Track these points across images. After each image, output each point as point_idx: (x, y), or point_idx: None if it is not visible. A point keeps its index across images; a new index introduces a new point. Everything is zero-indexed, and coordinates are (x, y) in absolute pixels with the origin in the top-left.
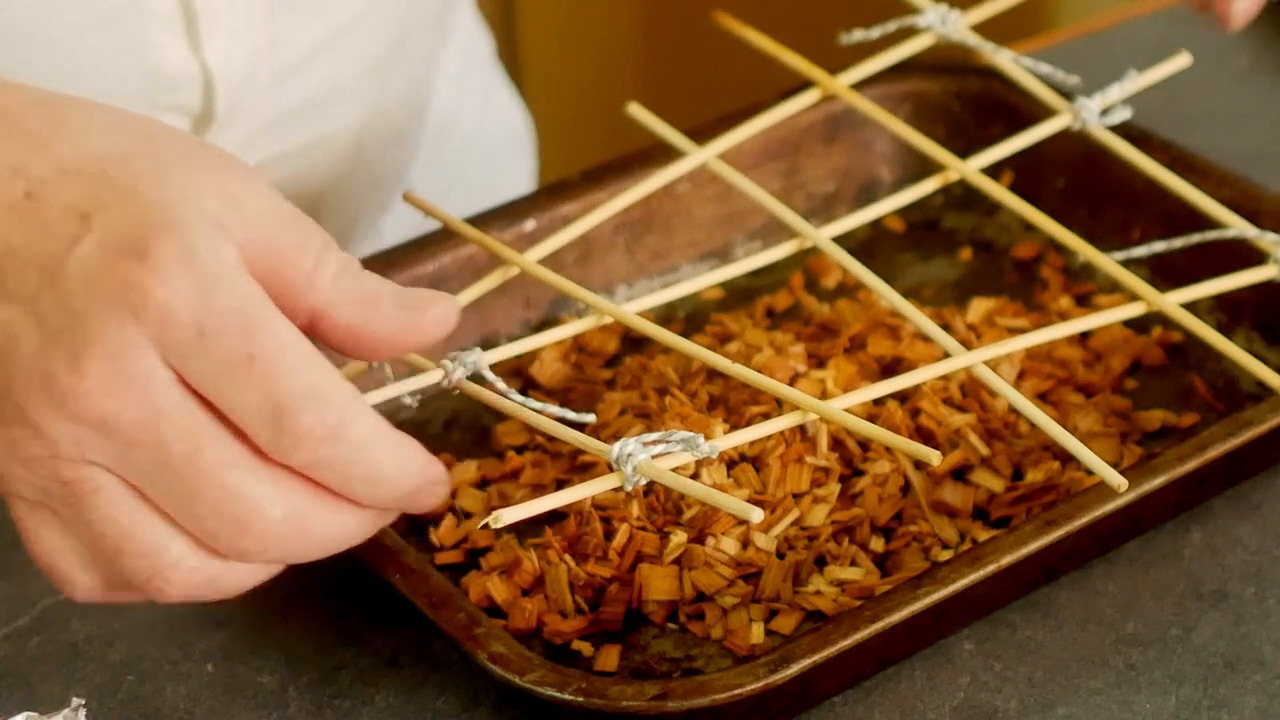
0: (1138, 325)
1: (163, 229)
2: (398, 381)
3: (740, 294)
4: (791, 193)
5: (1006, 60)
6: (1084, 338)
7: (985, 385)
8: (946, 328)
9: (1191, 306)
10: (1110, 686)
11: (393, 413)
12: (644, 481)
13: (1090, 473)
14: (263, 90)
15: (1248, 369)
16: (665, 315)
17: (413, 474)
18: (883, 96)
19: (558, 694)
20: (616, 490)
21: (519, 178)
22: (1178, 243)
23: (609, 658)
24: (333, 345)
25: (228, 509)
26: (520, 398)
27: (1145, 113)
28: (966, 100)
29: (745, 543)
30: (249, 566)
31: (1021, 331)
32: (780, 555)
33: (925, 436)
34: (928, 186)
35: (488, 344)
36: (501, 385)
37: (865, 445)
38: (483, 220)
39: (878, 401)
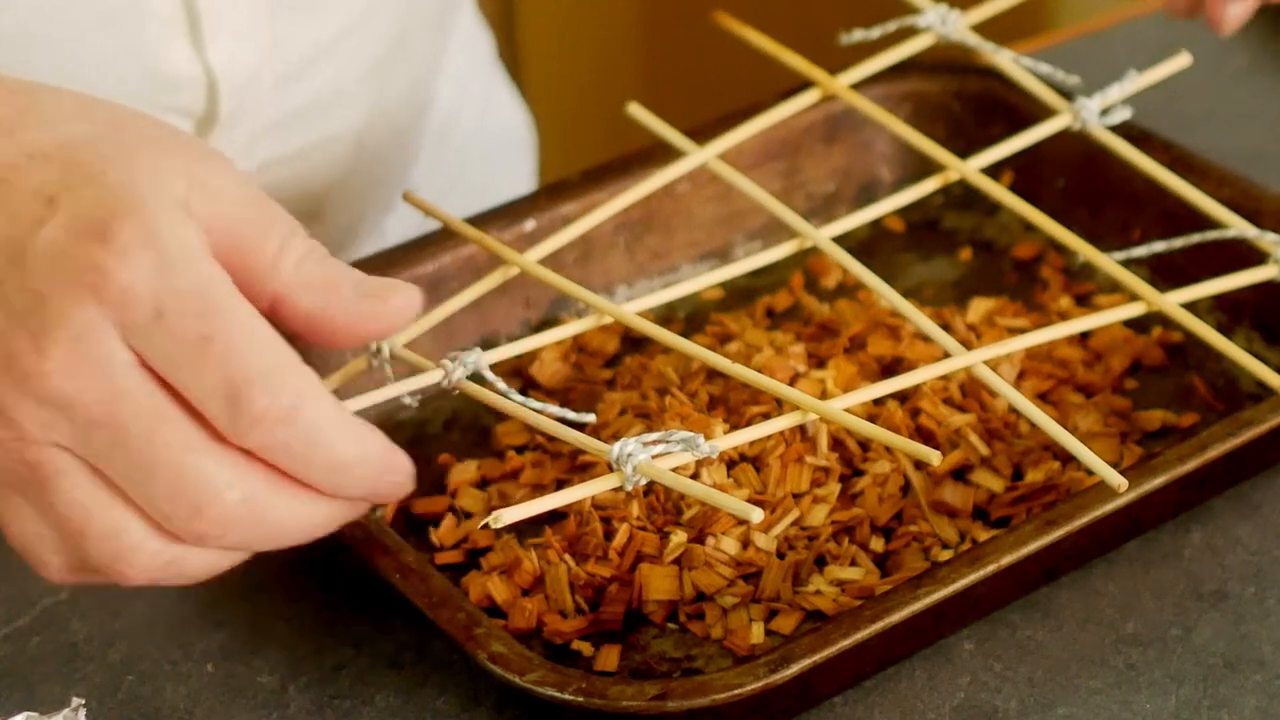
0: (1138, 325)
1: (126, 212)
2: (398, 381)
3: (740, 294)
4: (791, 193)
5: (1006, 60)
6: (1084, 338)
7: (985, 385)
8: (946, 328)
9: (1191, 306)
10: (1110, 686)
11: (393, 413)
12: (644, 481)
13: (1090, 473)
14: (266, 92)
15: (1248, 369)
16: (665, 315)
17: (373, 461)
18: (883, 96)
19: (558, 694)
20: (616, 490)
21: (520, 177)
22: (1178, 243)
23: (609, 658)
24: (294, 330)
25: (184, 490)
26: (520, 398)
27: (1145, 113)
28: (966, 100)
29: (745, 543)
30: (212, 551)
31: (1021, 331)
32: (780, 555)
33: (925, 436)
34: (928, 186)
35: (488, 344)
36: (501, 385)
37: (865, 445)
38: (483, 220)
39: (878, 401)
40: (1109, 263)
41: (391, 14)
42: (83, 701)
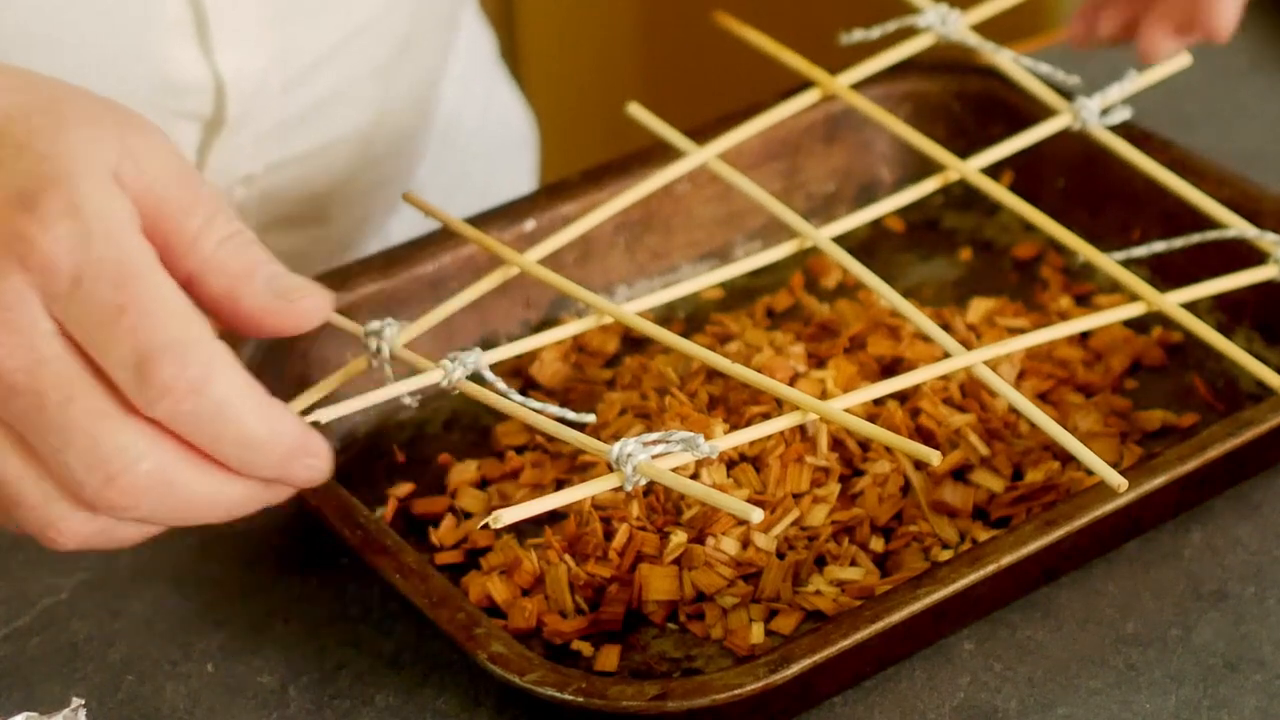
0: (1138, 325)
1: (53, 182)
2: (398, 381)
3: (740, 294)
4: (791, 193)
5: (1006, 60)
6: (1084, 338)
7: (985, 385)
8: (946, 328)
9: (1191, 306)
10: (1110, 686)
11: (393, 413)
12: (644, 481)
13: (1090, 473)
14: (273, 95)
15: (1248, 369)
16: (665, 315)
17: (284, 441)
18: (883, 96)
19: (558, 694)
20: (616, 490)
21: (522, 177)
22: (1178, 243)
23: (609, 658)
24: (206, 310)
25: (96, 458)
26: (520, 398)
27: (1145, 113)
28: (966, 100)
29: (745, 543)
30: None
31: (1021, 331)
32: (780, 555)
33: (925, 436)
34: (928, 186)
35: (488, 344)
36: (501, 385)
37: (865, 445)
38: (483, 220)
39: (878, 401)
40: (1109, 263)
41: (398, 17)
42: (83, 701)
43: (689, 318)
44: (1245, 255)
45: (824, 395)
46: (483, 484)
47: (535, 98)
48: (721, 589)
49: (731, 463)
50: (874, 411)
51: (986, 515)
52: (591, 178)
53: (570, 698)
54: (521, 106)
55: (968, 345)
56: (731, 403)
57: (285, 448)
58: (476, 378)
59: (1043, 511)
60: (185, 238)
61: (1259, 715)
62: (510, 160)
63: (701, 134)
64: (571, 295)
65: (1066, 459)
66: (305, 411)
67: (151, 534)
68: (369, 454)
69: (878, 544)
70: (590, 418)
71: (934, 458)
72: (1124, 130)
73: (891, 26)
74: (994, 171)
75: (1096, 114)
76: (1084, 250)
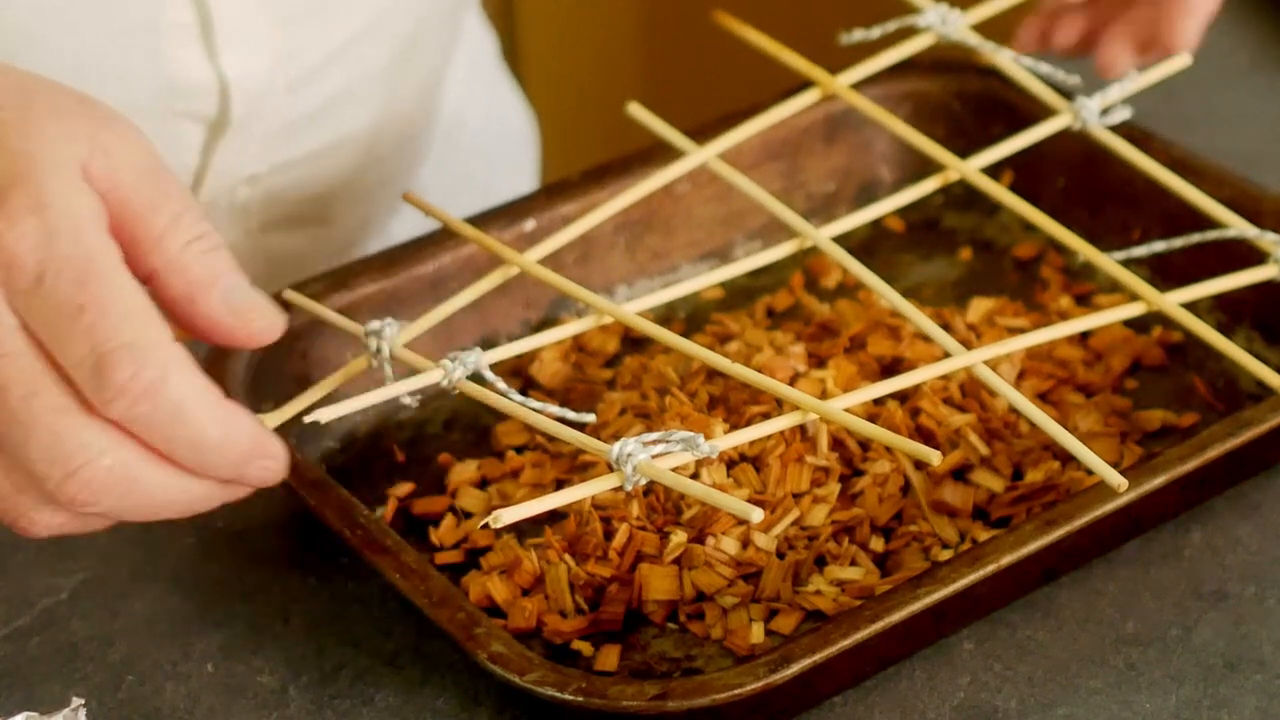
0: (1138, 325)
1: (20, 178)
2: (398, 381)
3: (740, 294)
4: (791, 193)
5: (1006, 60)
6: (1084, 338)
7: (985, 385)
8: (946, 328)
9: (1191, 306)
10: (1110, 686)
11: (393, 413)
12: (644, 481)
13: (1090, 473)
14: (278, 97)
15: (1248, 369)
16: (665, 315)
17: (238, 444)
18: (883, 96)
19: (558, 694)
20: (616, 490)
21: (524, 177)
22: (1178, 243)
23: (609, 658)
24: (163, 309)
25: (57, 453)
26: (520, 398)
27: (1145, 113)
28: (966, 100)
29: (745, 543)
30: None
31: (1021, 331)
32: (780, 555)
33: (925, 436)
34: (928, 186)
35: (488, 344)
36: (501, 385)
37: (865, 445)
38: (483, 220)
39: (878, 401)
40: (1109, 263)
41: (403, 19)
42: (83, 701)
43: (689, 318)
44: (1245, 255)
45: (824, 395)
46: (483, 484)
47: (535, 98)
48: (721, 589)
49: (731, 463)
50: (874, 411)
51: (986, 515)
52: (591, 178)
53: (570, 698)
54: (523, 107)
55: (968, 345)
56: (731, 403)
57: (240, 451)
58: (476, 378)
59: (1043, 511)
60: (151, 234)
61: (1259, 715)
62: (512, 160)
63: (701, 134)
64: (571, 295)
65: (1066, 459)
66: (305, 411)
67: (115, 519)
68: (369, 454)
69: (878, 544)
70: (590, 418)
71: (934, 458)
72: (1124, 130)
73: (891, 26)
74: (994, 171)
75: (1096, 114)
76: (1084, 250)
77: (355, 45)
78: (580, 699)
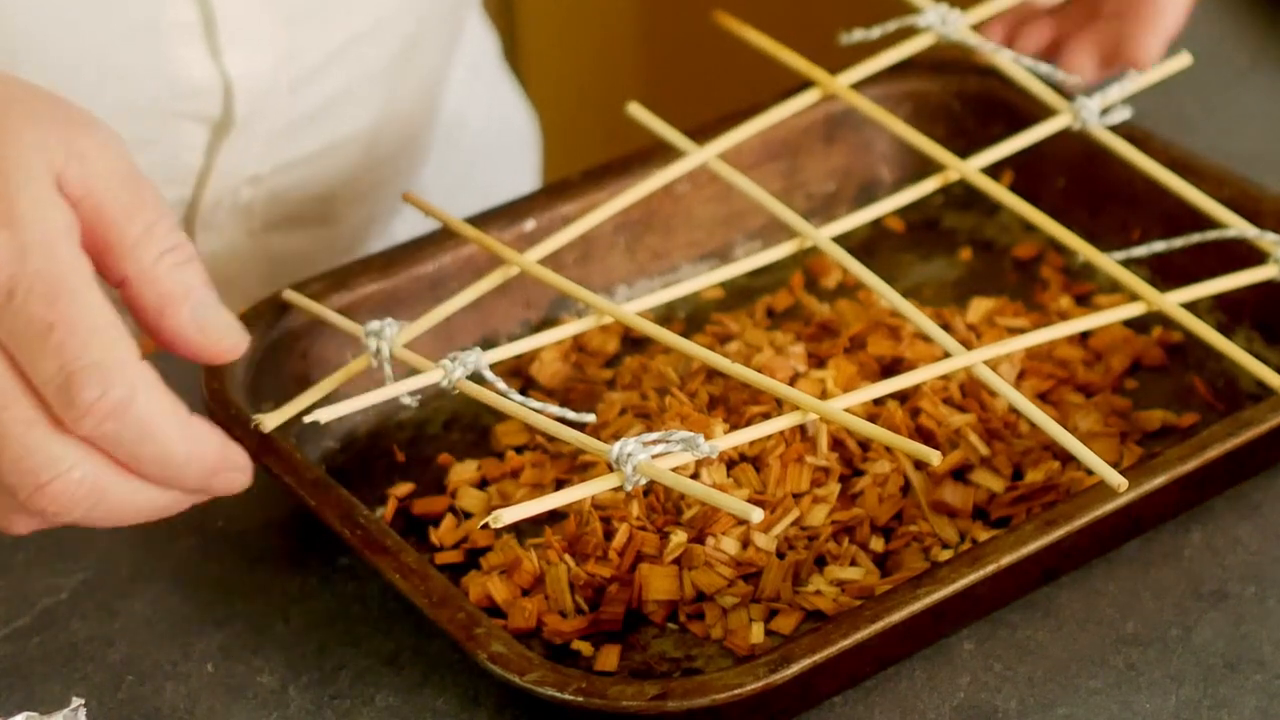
0: (1138, 325)
1: None
2: (398, 381)
3: (740, 294)
4: (791, 193)
5: (1006, 60)
6: (1084, 338)
7: (985, 385)
8: (946, 328)
9: (1191, 306)
10: (1110, 686)
11: (393, 413)
12: (644, 481)
13: (1090, 473)
14: (281, 96)
15: (1248, 369)
16: (665, 315)
17: (204, 459)
18: (883, 96)
19: (558, 694)
20: (616, 490)
21: (526, 177)
22: (1178, 243)
23: (609, 658)
24: (133, 316)
25: (28, 466)
26: (520, 398)
27: (1145, 113)
28: (966, 100)
29: (745, 543)
30: None
31: (1021, 331)
32: (780, 555)
33: (925, 436)
34: (928, 186)
35: (488, 344)
36: (501, 385)
37: (865, 445)
38: (483, 220)
39: (878, 401)
40: (1109, 263)
41: (405, 18)
42: (83, 701)
43: (689, 318)
44: (1245, 255)
45: (824, 395)
46: (483, 484)
47: (535, 98)
48: (721, 589)
49: (731, 463)
50: (874, 411)
51: (986, 515)
52: (591, 178)
53: (570, 698)
54: (525, 107)
55: (968, 345)
56: (731, 403)
57: (206, 466)
58: (476, 378)
59: (1043, 511)
60: (125, 242)
61: (1259, 715)
62: (514, 161)
63: (701, 134)
64: (571, 295)
65: (1066, 459)
66: (305, 411)
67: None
68: (369, 454)
69: (878, 544)
70: (590, 418)
71: (934, 458)
72: (1124, 130)
73: (891, 26)
74: (994, 171)
75: (1096, 114)
76: (1084, 250)
77: (357, 45)
78: (580, 699)
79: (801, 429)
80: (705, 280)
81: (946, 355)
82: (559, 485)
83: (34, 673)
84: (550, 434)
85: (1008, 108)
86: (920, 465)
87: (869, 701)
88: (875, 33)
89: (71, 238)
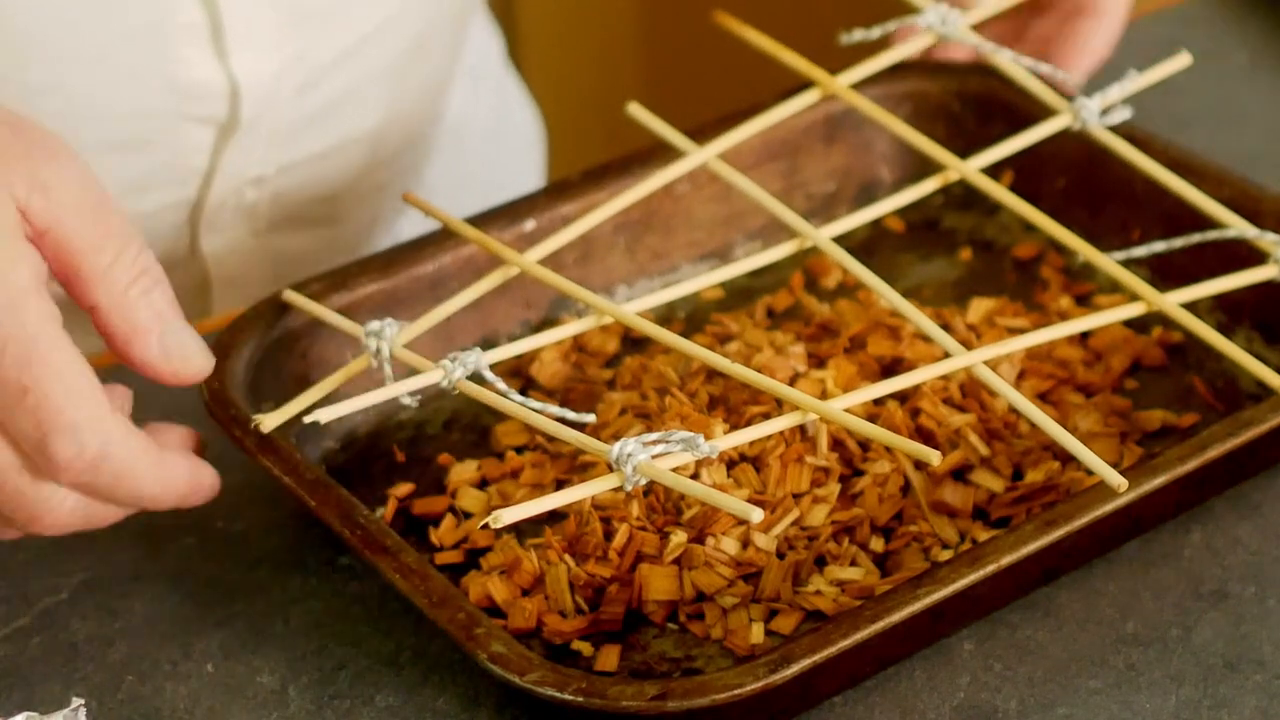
0: (1138, 325)
1: None
2: (398, 381)
3: (740, 294)
4: (791, 193)
5: (1006, 60)
6: (1084, 338)
7: (985, 385)
8: (946, 328)
9: (1191, 306)
10: (1110, 686)
11: (393, 413)
12: (644, 481)
13: (1090, 473)
14: (287, 98)
15: (1248, 369)
16: (665, 315)
17: (176, 490)
18: (883, 96)
19: (558, 694)
20: (616, 490)
21: (531, 178)
22: (1178, 243)
23: (609, 658)
24: (102, 337)
25: (19, 505)
26: (520, 398)
27: (1145, 113)
28: (966, 100)
29: (745, 543)
30: None
31: (1021, 331)
32: (780, 555)
33: (925, 436)
34: (928, 186)
35: (488, 344)
36: (501, 385)
37: (865, 445)
38: (483, 220)
39: (878, 401)
40: (1109, 263)
41: (410, 19)
42: (83, 701)
43: (689, 318)
44: (1245, 255)
45: (824, 395)
46: (483, 484)
47: (536, 99)
48: (721, 589)
49: (731, 463)
50: (874, 411)
51: (986, 515)
52: (591, 178)
53: (570, 698)
54: (529, 107)
55: (968, 345)
56: (731, 403)
57: (177, 495)
58: (476, 378)
59: (1043, 511)
60: (95, 272)
61: (1259, 715)
62: (518, 161)
63: (701, 134)
64: (571, 295)
65: (1066, 459)
66: (305, 411)
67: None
68: (369, 454)
69: (878, 544)
70: (590, 418)
71: (934, 458)
72: (1124, 130)
73: (891, 26)
74: (994, 171)
75: (1096, 114)
76: (1084, 250)
77: (363, 46)
78: (580, 699)
79: (801, 429)
80: (705, 280)
81: (946, 355)
82: (559, 485)
83: (34, 673)
84: (550, 434)
85: (1008, 108)
86: (920, 465)
87: (869, 701)
88: (875, 33)
89: (39, 289)
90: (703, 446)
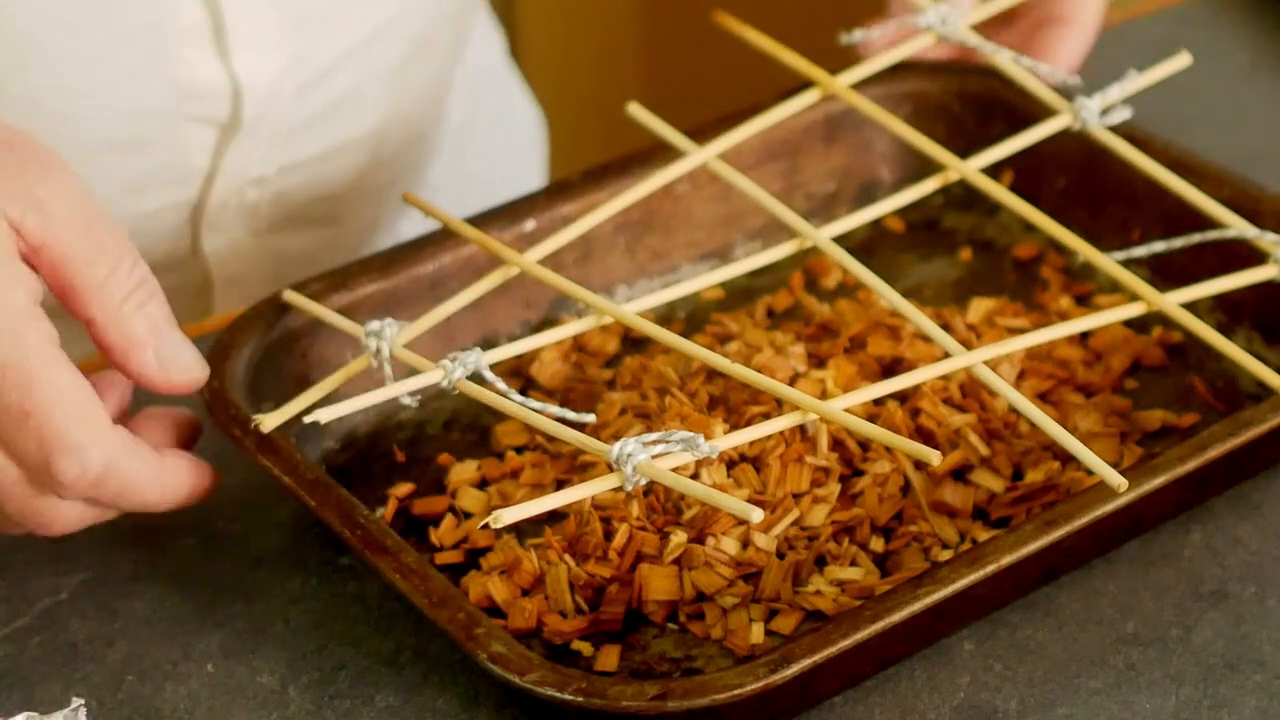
0: (1138, 325)
1: None
2: (398, 381)
3: (740, 294)
4: (791, 193)
5: (1006, 60)
6: (1084, 338)
7: (985, 385)
8: (946, 328)
9: (1191, 306)
10: (1110, 686)
11: (393, 413)
12: (644, 481)
13: (1090, 473)
14: (288, 98)
15: (1248, 369)
16: (665, 315)
17: (178, 495)
18: (883, 96)
19: (558, 694)
20: (616, 490)
21: (533, 177)
22: (1178, 243)
23: (609, 658)
24: (98, 349)
25: (30, 517)
26: (520, 398)
27: (1145, 113)
28: (966, 100)
29: (745, 543)
30: None
31: (1021, 331)
32: (780, 555)
33: (925, 436)
34: (928, 186)
35: (488, 344)
36: (501, 385)
37: (865, 445)
38: (483, 220)
39: (878, 401)
40: (1109, 263)
41: (412, 20)
42: (83, 701)
43: (689, 318)
44: (1245, 255)
45: (824, 395)
46: (483, 484)
47: (537, 99)
48: (721, 589)
49: (731, 463)
50: (874, 411)
51: (986, 515)
52: (591, 178)
53: (570, 698)
54: (532, 107)
55: (968, 345)
56: (731, 403)
57: (179, 498)
58: (476, 378)
59: (1043, 511)
60: (90, 286)
61: (1259, 715)
62: (521, 161)
63: (701, 134)
64: (571, 295)
65: (1066, 459)
66: (305, 411)
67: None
68: (369, 454)
69: (878, 544)
70: (590, 418)
71: (934, 458)
72: (1124, 130)
73: (891, 26)
74: (994, 171)
75: (1096, 114)
76: (1084, 250)
77: (366, 46)
78: (580, 699)
79: (801, 429)
80: (705, 280)
81: (946, 355)
82: (559, 485)
83: (34, 673)
84: (550, 434)
85: (1008, 108)
86: (920, 465)
87: (869, 701)
88: (875, 33)
89: (35, 310)
90: (703, 446)
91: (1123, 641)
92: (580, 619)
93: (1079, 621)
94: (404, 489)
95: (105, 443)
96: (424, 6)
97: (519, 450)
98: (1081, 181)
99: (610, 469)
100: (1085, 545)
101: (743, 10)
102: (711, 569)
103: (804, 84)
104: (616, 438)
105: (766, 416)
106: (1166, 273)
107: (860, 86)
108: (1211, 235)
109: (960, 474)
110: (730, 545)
